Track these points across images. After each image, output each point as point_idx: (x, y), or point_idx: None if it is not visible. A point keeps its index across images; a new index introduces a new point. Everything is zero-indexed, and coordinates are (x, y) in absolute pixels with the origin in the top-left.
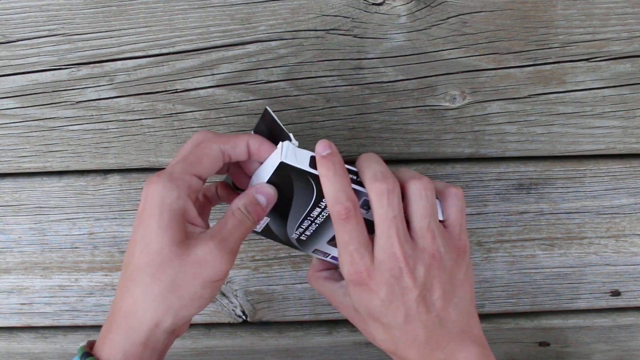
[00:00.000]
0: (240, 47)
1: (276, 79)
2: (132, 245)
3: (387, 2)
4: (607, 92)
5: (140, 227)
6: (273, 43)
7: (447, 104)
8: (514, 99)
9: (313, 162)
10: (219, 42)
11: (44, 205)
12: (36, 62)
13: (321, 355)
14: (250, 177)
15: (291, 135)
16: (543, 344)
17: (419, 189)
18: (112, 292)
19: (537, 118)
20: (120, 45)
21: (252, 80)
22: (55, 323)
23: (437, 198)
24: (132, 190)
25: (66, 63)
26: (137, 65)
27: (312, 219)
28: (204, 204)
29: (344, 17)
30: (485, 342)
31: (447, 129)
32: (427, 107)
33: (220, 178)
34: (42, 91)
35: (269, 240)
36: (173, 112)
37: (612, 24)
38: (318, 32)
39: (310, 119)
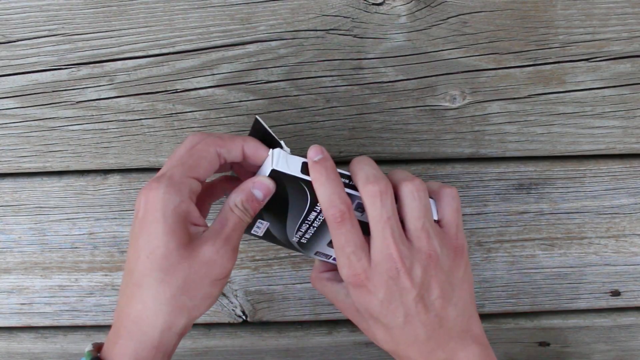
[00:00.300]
0: (240, 47)
1: (276, 79)
2: (135, 251)
3: (387, 2)
4: (607, 92)
5: (142, 233)
6: (273, 43)
7: (447, 104)
8: (514, 99)
9: (305, 168)
10: (219, 42)
11: (44, 205)
12: (36, 62)
13: (321, 355)
14: (252, 172)
15: (282, 142)
16: (543, 344)
17: (411, 191)
18: (112, 292)
19: (537, 118)
20: (120, 45)
21: (252, 80)
22: (55, 323)
23: (432, 198)
24: (132, 190)
25: (66, 63)
26: (137, 65)
27: (310, 223)
28: (204, 201)
29: (344, 17)
30: (486, 341)
31: (447, 129)
32: (427, 107)
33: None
34: (42, 91)
35: None
36: (173, 112)
37: (612, 24)
38: (318, 32)
39: (310, 119)
